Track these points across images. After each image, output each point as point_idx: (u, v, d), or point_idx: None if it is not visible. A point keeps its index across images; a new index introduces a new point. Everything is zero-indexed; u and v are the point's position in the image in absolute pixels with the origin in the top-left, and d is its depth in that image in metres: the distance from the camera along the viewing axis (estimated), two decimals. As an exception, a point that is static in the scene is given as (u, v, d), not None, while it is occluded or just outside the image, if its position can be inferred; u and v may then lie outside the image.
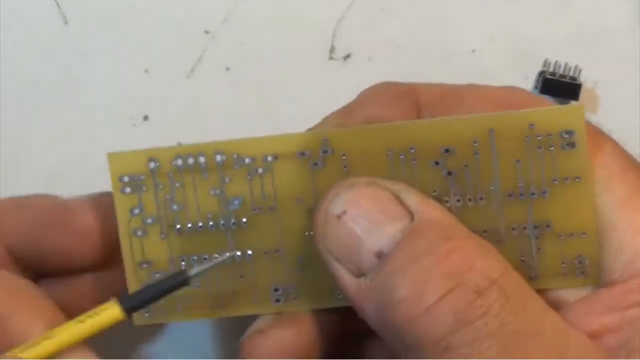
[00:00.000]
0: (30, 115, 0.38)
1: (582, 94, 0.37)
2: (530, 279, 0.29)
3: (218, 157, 0.30)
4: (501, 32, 0.38)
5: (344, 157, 0.29)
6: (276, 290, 0.30)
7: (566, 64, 0.37)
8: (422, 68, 0.38)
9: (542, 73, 0.38)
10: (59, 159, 0.38)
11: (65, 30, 0.38)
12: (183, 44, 0.38)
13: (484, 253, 0.26)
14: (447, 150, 0.29)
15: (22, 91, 0.38)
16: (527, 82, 0.38)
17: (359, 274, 0.27)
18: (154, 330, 0.31)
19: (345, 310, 0.29)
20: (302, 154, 0.29)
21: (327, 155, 0.29)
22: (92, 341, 0.28)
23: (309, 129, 0.31)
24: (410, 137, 0.29)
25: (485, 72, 0.38)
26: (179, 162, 0.30)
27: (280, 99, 0.38)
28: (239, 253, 0.30)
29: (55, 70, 0.38)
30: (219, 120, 0.38)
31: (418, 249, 0.26)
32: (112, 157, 0.30)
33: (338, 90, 0.38)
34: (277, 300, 0.30)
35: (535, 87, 0.38)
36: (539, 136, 0.29)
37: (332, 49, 0.38)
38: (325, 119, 0.31)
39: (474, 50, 0.38)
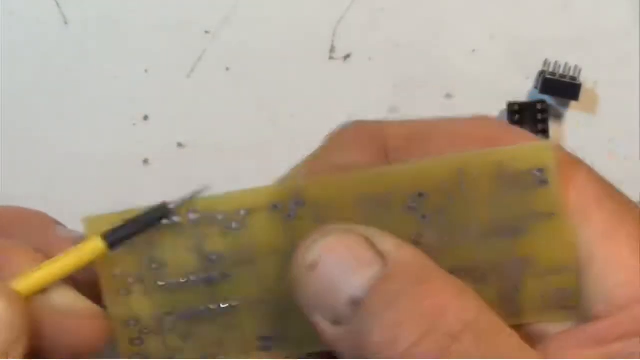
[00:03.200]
0: (30, 115, 0.38)
1: (582, 94, 0.37)
2: (513, 314, 0.29)
3: (191, 216, 0.30)
4: (501, 32, 0.38)
5: (316, 208, 0.29)
6: (263, 338, 0.30)
7: (566, 64, 0.37)
8: (422, 68, 0.38)
9: (542, 73, 0.37)
10: (59, 158, 0.38)
11: (65, 30, 0.38)
12: (183, 44, 0.38)
13: (458, 295, 0.26)
14: (420, 195, 0.29)
15: (22, 91, 0.38)
16: (527, 82, 0.38)
17: (336, 322, 0.27)
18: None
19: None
20: (275, 206, 0.29)
21: (300, 207, 0.29)
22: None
23: (279, 181, 0.31)
24: (382, 184, 0.29)
25: (485, 72, 0.38)
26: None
27: (280, 99, 0.38)
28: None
29: (55, 70, 0.38)
30: (219, 120, 0.38)
31: (391, 293, 0.26)
32: (89, 221, 0.30)
33: (338, 90, 0.38)
34: (265, 348, 0.30)
35: (535, 87, 0.38)
36: (510, 174, 0.28)
37: (332, 49, 0.38)
38: (294, 168, 0.31)
39: (474, 50, 0.38)
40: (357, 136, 0.31)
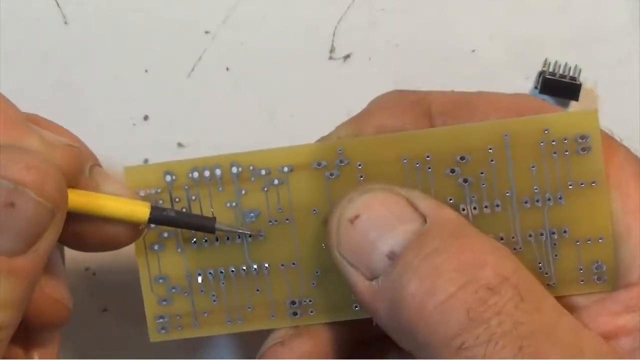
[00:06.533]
0: (30, 115, 0.38)
1: (582, 94, 0.37)
2: (548, 286, 0.29)
3: (234, 169, 0.30)
4: (501, 32, 0.38)
5: (359, 167, 0.29)
6: (293, 303, 0.30)
7: (566, 64, 0.37)
8: (422, 68, 0.38)
9: (542, 73, 0.37)
10: (59, 159, 0.38)
11: (65, 30, 0.38)
12: (183, 44, 0.38)
13: (496, 252, 0.26)
14: (462, 158, 0.29)
15: (22, 91, 0.38)
16: (527, 82, 0.38)
17: (372, 276, 0.27)
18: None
19: (362, 320, 0.29)
20: (318, 164, 0.29)
21: (343, 166, 0.29)
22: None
23: (322, 138, 0.31)
24: (426, 145, 0.29)
25: (485, 72, 0.38)
26: (195, 174, 0.30)
27: (280, 99, 0.38)
28: (261, 232, 0.30)
29: (55, 70, 0.38)
30: (219, 120, 0.38)
31: (429, 247, 0.26)
32: (129, 171, 0.30)
33: (338, 90, 0.38)
34: (294, 314, 0.30)
35: (535, 87, 0.38)
36: (553, 141, 0.29)
37: (332, 49, 0.38)
38: (338, 128, 0.31)
39: (474, 50, 0.38)
40: (401, 101, 0.31)
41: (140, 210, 0.28)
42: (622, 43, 0.38)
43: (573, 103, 0.38)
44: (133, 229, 0.29)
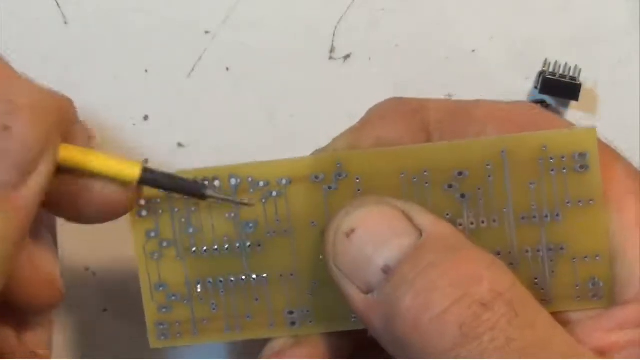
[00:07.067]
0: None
1: (582, 94, 0.37)
2: (544, 301, 0.29)
3: (233, 181, 0.30)
4: (501, 32, 0.38)
5: (357, 180, 0.29)
6: (291, 313, 0.30)
7: (566, 64, 0.37)
8: (422, 68, 0.38)
9: (542, 73, 0.37)
10: (59, 159, 0.38)
11: (65, 30, 0.38)
12: (183, 44, 0.38)
13: (492, 266, 0.26)
14: (460, 173, 0.29)
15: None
16: (527, 82, 0.38)
17: (368, 290, 0.27)
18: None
19: (360, 330, 0.29)
20: (316, 177, 0.29)
21: (341, 179, 0.29)
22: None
23: (319, 150, 0.31)
24: (424, 160, 0.29)
25: (485, 72, 0.38)
26: None
27: (280, 99, 0.38)
28: (253, 202, 0.30)
29: (55, 70, 0.38)
30: (219, 120, 0.38)
31: (425, 261, 0.26)
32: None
33: (338, 90, 0.38)
34: (293, 324, 0.30)
35: (535, 87, 0.38)
36: (551, 158, 0.28)
37: (332, 49, 0.38)
38: (336, 140, 0.31)
39: (474, 50, 0.38)
40: (398, 110, 0.31)
41: (131, 168, 0.28)
42: (622, 43, 0.38)
43: (573, 103, 0.38)
44: (125, 191, 0.28)
